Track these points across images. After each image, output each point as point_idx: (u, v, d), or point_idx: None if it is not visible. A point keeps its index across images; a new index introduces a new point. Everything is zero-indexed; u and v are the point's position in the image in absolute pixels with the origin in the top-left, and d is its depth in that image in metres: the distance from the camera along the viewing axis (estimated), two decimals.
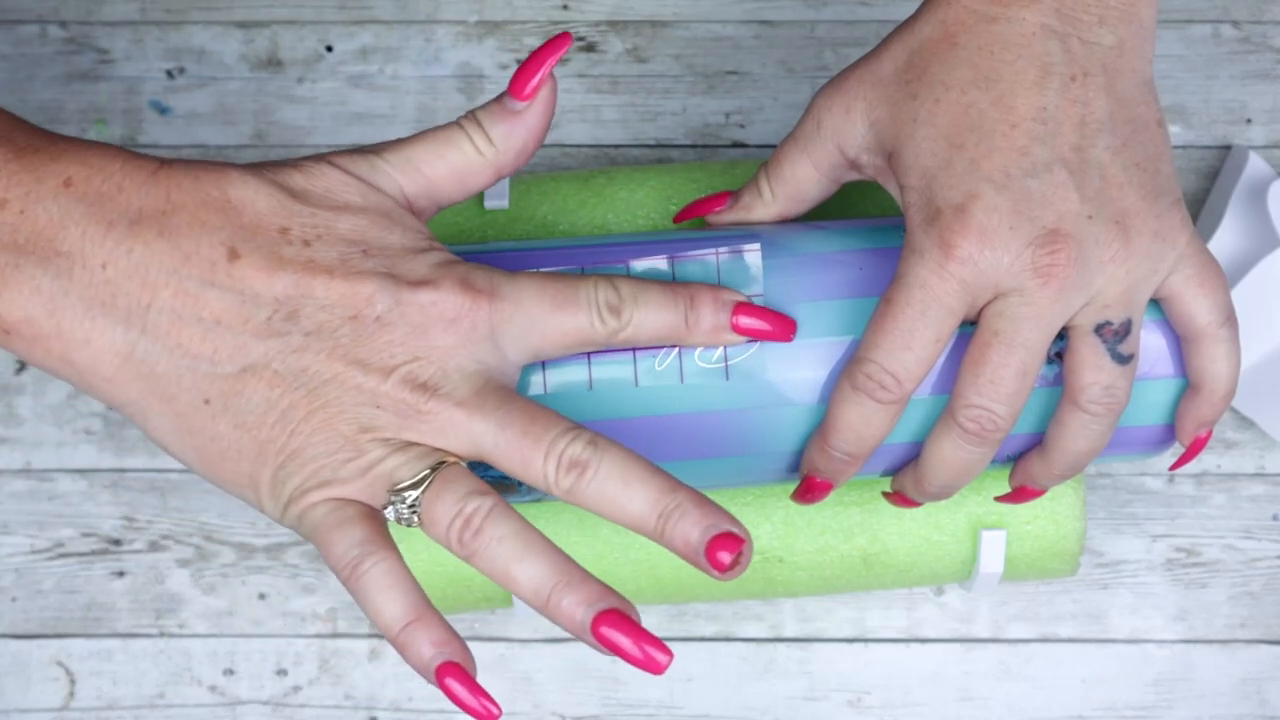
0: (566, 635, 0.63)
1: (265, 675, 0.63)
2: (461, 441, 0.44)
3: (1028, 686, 0.63)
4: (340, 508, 0.44)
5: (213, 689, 0.63)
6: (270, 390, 0.43)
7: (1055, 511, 0.56)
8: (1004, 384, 0.46)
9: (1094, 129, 0.47)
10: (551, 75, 0.46)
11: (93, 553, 0.64)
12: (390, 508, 0.44)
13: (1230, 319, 0.49)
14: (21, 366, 0.66)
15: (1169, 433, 0.51)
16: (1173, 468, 0.52)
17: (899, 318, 0.46)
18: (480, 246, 0.51)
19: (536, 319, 0.45)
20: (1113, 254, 0.46)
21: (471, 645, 0.63)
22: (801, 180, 0.51)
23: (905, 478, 0.51)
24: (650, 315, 0.46)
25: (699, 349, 0.49)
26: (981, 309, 0.47)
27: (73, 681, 0.64)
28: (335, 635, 0.63)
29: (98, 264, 0.43)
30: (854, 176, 0.51)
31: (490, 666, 0.63)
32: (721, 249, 0.50)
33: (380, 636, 0.63)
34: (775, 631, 0.63)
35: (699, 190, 0.57)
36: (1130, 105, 0.47)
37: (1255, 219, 0.64)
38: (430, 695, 0.63)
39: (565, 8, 0.68)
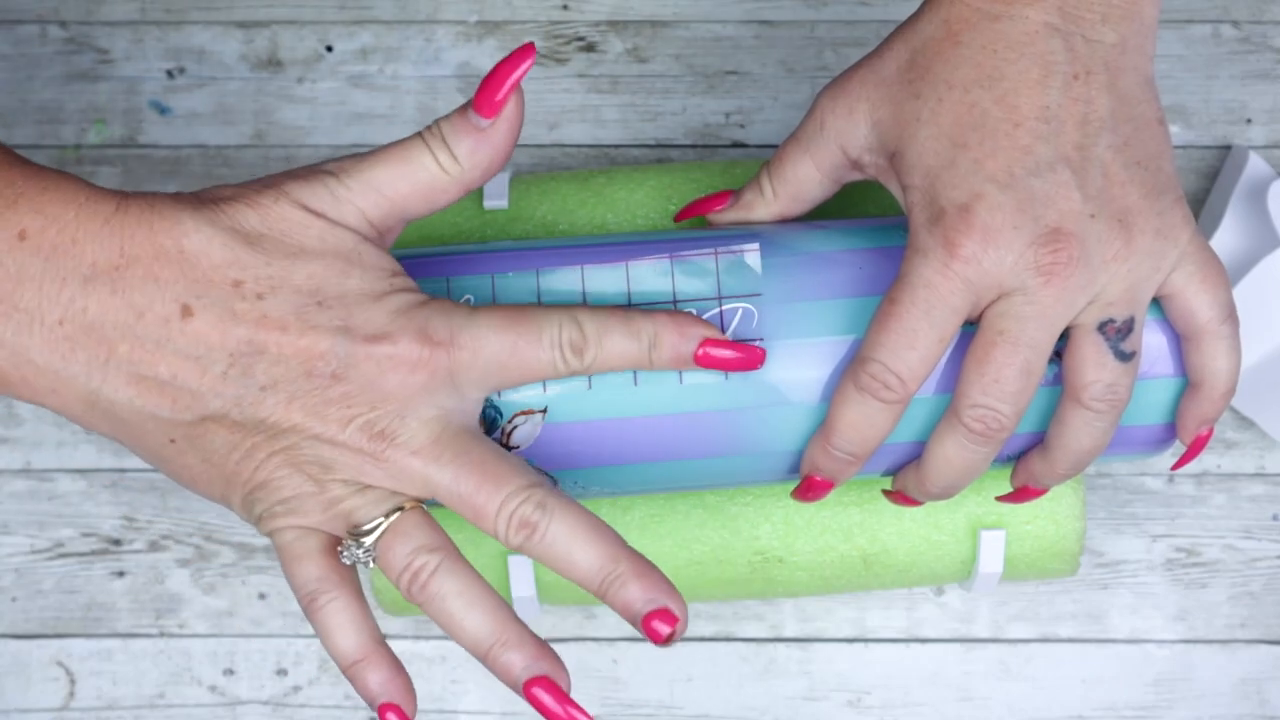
0: (567, 635, 0.63)
1: (265, 675, 0.63)
2: (418, 488, 0.45)
3: (1028, 686, 0.63)
4: (304, 536, 0.46)
5: (213, 689, 0.63)
6: (231, 435, 0.44)
7: (1055, 511, 0.56)
8: (1009, 383, 0.46)
9: (1096, 127, 0.47)
10: (518, 89, 0.45)
11: (93, 553, 0.64)
12: (346, 551, 0.45)
13: (1231, 316, 0.49)
14: None
15: (1169, 432, 0.51)
16: (1174, 467, 0.52)
17: (903, 317, 0.46)
18: (479, 246, 0.51)
19: (497, 363, 0.45)
20: (1115, 252, 0.46)
21: None
22: (804, 180, 0.51)
23: (907, 477, 0.51)
24: (613, 351, 0.46)
25: None
26: (985, 308, 0.47)
27: (73, 681, 0.64)
28: None
29: (55, 320, 0.43)
30: (856, 176, 0.51)
31: None
32: (721, 249, 0.50)
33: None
34: (775, 631, 0.63)
35: (699, 190, 0.57)
36: (1132, 103, 0.47)
37: (1255, 219, 0.64)
38: (430, 695, 0.63)
39: (565, 8, 0.68)
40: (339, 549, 0.46)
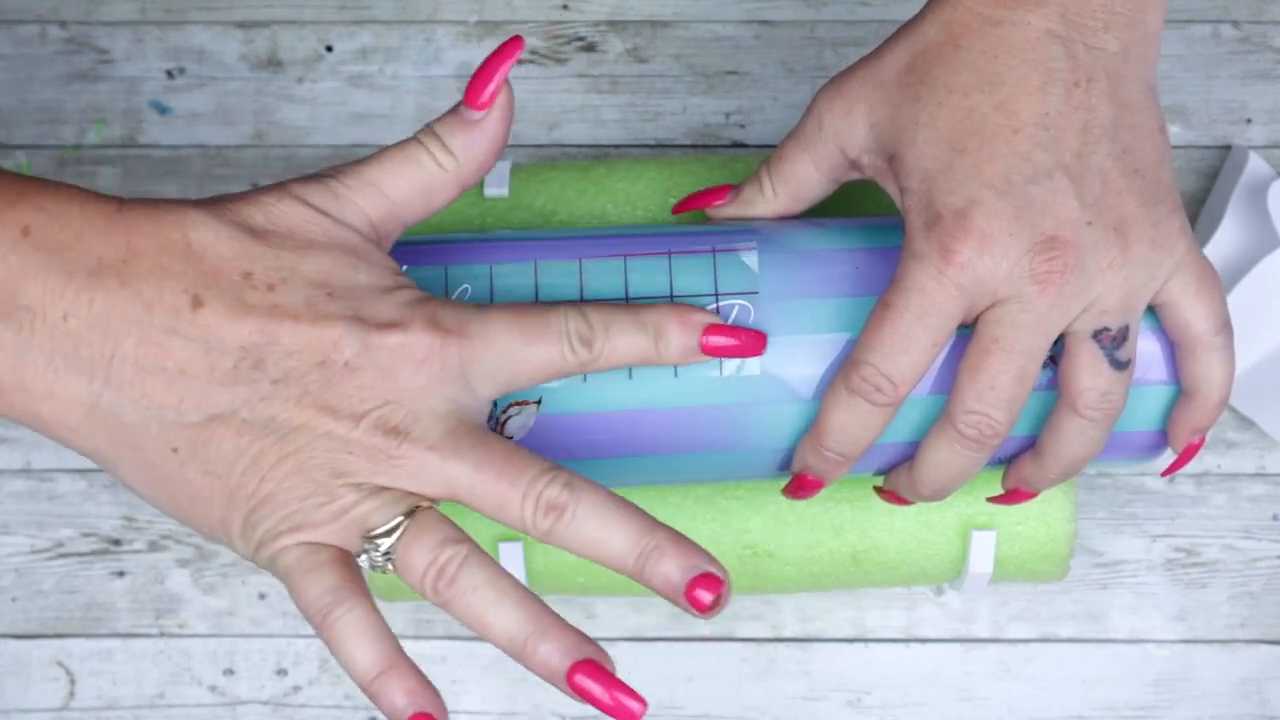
0: None
1: (265, 675, 0.63)
2: (436, 485, 0.43)
3: (1028, 686, 0.63)
4: (313, 552, 0.44)
5: (213, 689, 0.63)
6: (239, 438, 0.43)
7: (1046, 514, 0.56)
8: (1003, 390, 0.46)
9: (1096, 135, 0.46)
10: (507, 81, 0.45)
11: (93, 553, 0.64)
12: (364, 555, 0.44)
13: (1226, 327, 0.49)
14: None
15: (1161, 439, 0.51)
16: (1164, 473, 0.52)
17: (896, 322, 0.46)
18: (477, 235, 0.51)
19: (507, 355, 0.45)
20: (1111, 260, 0.46)
21: (471, 645, 0.63)
22: (803, 179, 0.51)
23: (899, 477, 0.51)
24: (621, 343, 0.46)
25: None
26: (979, 314, 0.47)
27: (73, 681, 0.64)
28: None
29: (59, 316, 0.42)
30: (855, 176, 0.51)
31: (490, 666, 0.63)
32: (719, 247, 0.50)
33: None
34: (775, 631, 0.63)
35: (699, 183, 0.57)
36: (1133, 111, 0.47)
37: (1255, 219, 0.64)
38: None
39: (565, 8, 0.68)
40: (358, 554, 0.44)
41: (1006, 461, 0.51)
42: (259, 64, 0.68)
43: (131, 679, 0.63)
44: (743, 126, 0.67)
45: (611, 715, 0.43)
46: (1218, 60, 0.67)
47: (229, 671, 0.63)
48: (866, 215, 0.54)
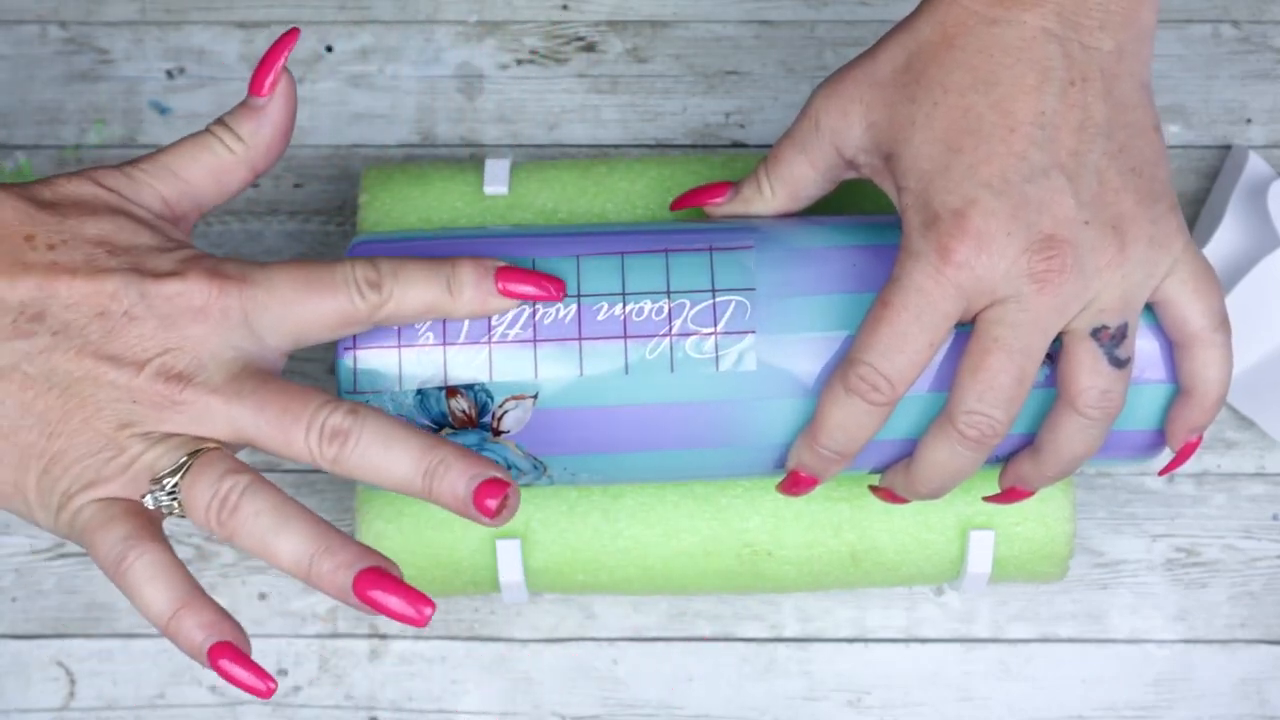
0: (566, 635, 0.63)
1: None
2: (222, 428, 0.44)
3: (1028, 686, 0.63)
4: (105, 507, 0.44)
5: (213, 689, 0.63)
6: (23, 393, 0.44)
7: (1045, 514, 0.56)
8: (1003, 390, 0.46)
9: (1091, 134, 0.46)
10: (286, 70, 0.48)
11: None
12: (149, 496, 0.44)
13: (1224, 324, 0.49)
14: None
15: (1159, 438, 0.51)
16: (1162, 472, 0.52)
17: (894, 321, 0.46)
18: (475, 231, 0.52)
19: (292, 302, 0.46)
20: (1109, 259, 0.46)
21: (471, 645, 0.63)
22: (800, 179, 0.51)
23: (896, 476, 0.51)
24: (412, 289, 0.47)
25: (690, 339, 0.49)
26: (978, 313, 0.47)
27: (73, 681, 0.64)
28: (335, 635, 0.63)
29: None
30: (852, 175, 0.51)
31: (490, 666, 0.63)
32: (716, 245, 0.50)
33: (381, 636, 0.63)
34: (775, 631, 0.63)
35: (698, 182, 0.57)
36: (1128, 110, 0.47)
37: (1255, 219, 0.64)
38: (430, 695, 0.63)
39: (565, 8, 0.68)
40: (143, 498, 0.44)
41: (1004, 460, 0.51)
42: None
43: (131, 679, 0.64)
44: (743, 126, 0.67)
45: (403, 621, 0.43)
46: (1218, 60, 0.67)
47: None
48: (865, 213, 0.55)
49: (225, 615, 0.43)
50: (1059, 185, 0.46)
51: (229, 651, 0.43)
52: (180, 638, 0.43)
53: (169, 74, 0.68)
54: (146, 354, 0.44)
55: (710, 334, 0.49)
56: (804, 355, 0.49)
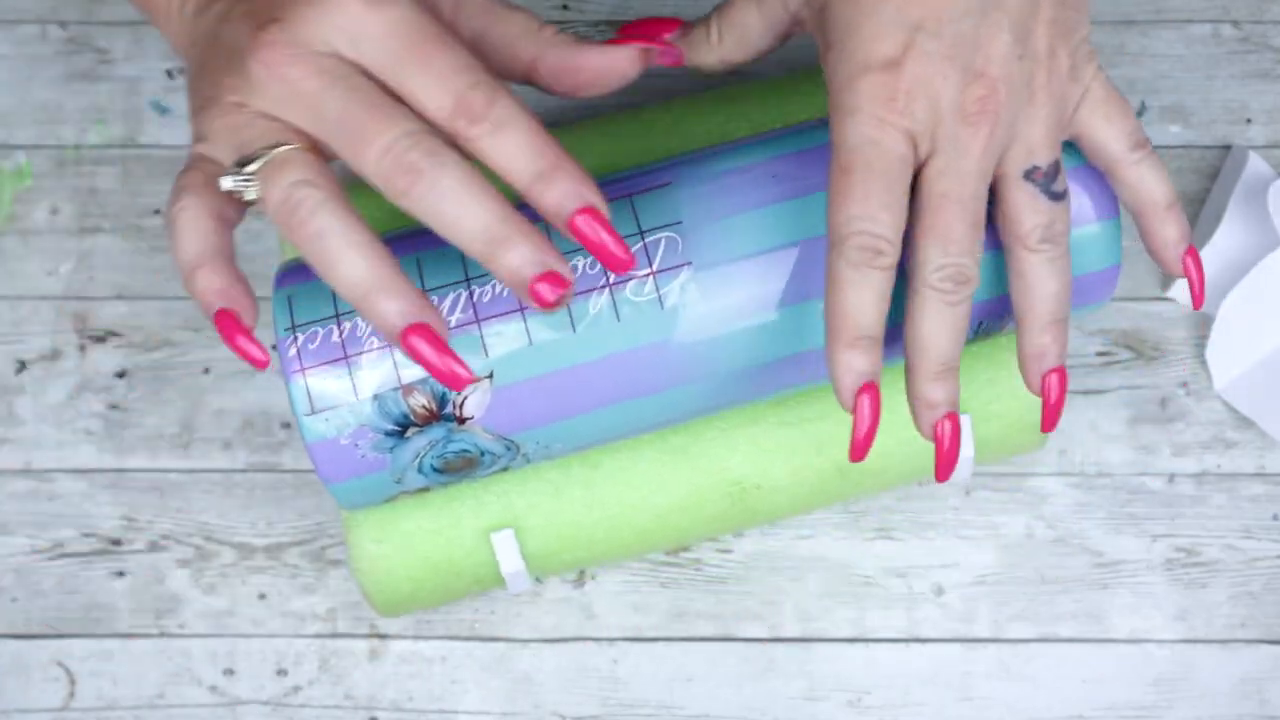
0: (566, 635, 0.63)
1: (265, 675, 0.63)
2: (303, 112, 0.43)
3: (1028, 686, 0.63)
4: (200, 160, 0.45)
5: (213, 689, 0.63)
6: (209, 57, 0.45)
7: (1016, 388, 0.57)
8: (964, 239, 0.46)
9: None
10: (645, 49, 0.48)
11: (93, 553, 0.64)
12: (228, 176, 0.44)
13: (1142, 143, 0.49)
14: (21, 367, 0.66)
15: (1113, 272, 0.52)
16: (1196, 304, 0.52)
17: (864, 182, 0.45)
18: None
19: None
20: (1033, 95, 0.46)
21: (471, 645, 0.63)
22: (748, 28, 0.51)
23: (914, 389, 0.48)
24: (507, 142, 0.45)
25: (629, 285, 0.49)
26: (919, 172, 0.46)
27: (73, 681, 0.64)
28: (335, 635, 0.63)
29: None
30: (797, 31, 0.50)
31: (490, 666, 0.63)
32: (634, 189, 0.50)
33: (381, 636, 0.63)
34: (775, 632, 0.63)
35: (669, 139, 0.57)
36: None
37: (1255, 219, 0.64)
38: (430, 695, 0.63)
39: (565, 8, 0.68)
40: (223, 177, 0.44)
41: (982, 333, 0.52)
42: None
43: (131, 679, 0.63)
44: None
45: (440, 379, 0.43)
46: (1218, 60, 0.67)
47: (229, 671, 0.63)
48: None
49: (238, 284, 0.44)
50: (997, 21, 0.45)
51: (227, 318, 0.44)
52: (194, 292, 0.44)
53: (169, 74, 0.68)
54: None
55: (648, 274, 0.49)
56: (745, 275, 0.49)
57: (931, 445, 0.57)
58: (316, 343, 0.49)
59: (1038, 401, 0.57)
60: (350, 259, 0.42)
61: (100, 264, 0.66)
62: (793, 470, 0.57)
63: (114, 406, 0.65)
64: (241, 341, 0.44)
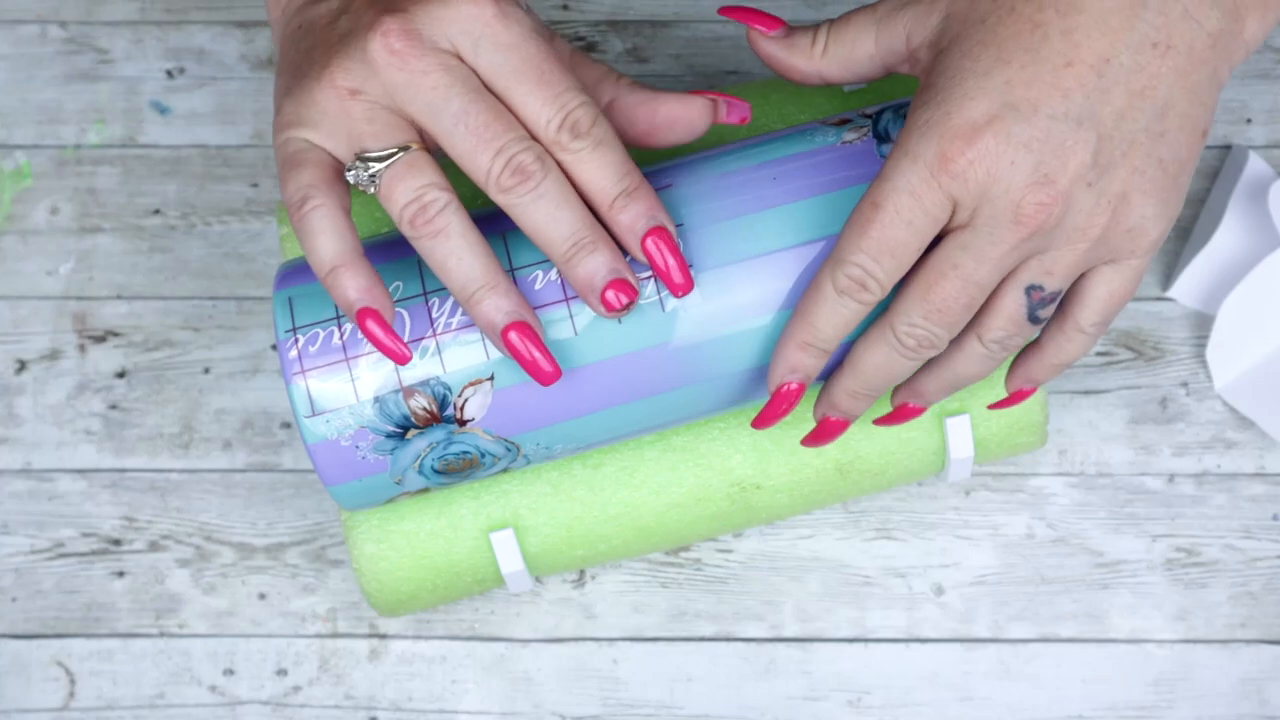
0: (566, 635, 0.63)
1: (265, 675, 0.63)
2: (421, 105, 0.46)
3: (1028, 686, 0.63)
4: (311, 149, 0.47)
5: (213, 689, 0.63)
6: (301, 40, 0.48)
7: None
8: (951, 314, 0.46)
9: (1145, 105, 0.44)
10: (716, 102, 0.51)
11: (93, 553, 0.64)
12: (352, 171, 0.46)
13: (1104, 327, 0.49)
14: (21, 367, 0.66)
15: None
16: (996, 404, 0.53)
17: (886, 224, 0.45)
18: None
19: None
20: (1087, 231, 0.45)
21: (471, 645, 0.63)
22: (859, 50, 0.50)
23: (839, 382, 0.50)
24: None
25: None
26: (944, 232, 0.46)
27: (73, 681, 0.64)
28: (335, 635, 0.63)
29: None
30: (904, 70, 0.49)
31: (490, 666, 0.63)
32: None
33: (381, 636, 0.63)
34: (775, 631, 0.63)
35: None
36: (1191, 101, 0.45)
37: (1255, 219, 0.64)
38: (430, 695, 0.63)
39: (565, 8, 0.68)
40: (346, 169, 0.46)
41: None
42: (259, 64, 0.68)
43: (131, 679, 0.63)
44: None
45: (529, 371, 0.47)
46: None
47: (229, 671, 0.63)
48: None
49: (378, 282, 0.46)
50: (1084, 139, 0.44)
51: (375, 317, 0.46)
52: (336, 290, 0.46)
53: (169, 74, 0.68)
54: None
55: (648, 277, 0.49)
56: (745, 277, 0.49)
57: (935, 449, 0.57)
58: (317, 345, 0.49)
59: (1037, 399, 0.57)
60: (468, 259, 0.46)
61: (100, 264, 0.66)
62: (793, 470, 0.57)
63: (114, 406, 0.65)
64: (385, 339, 0.47)
